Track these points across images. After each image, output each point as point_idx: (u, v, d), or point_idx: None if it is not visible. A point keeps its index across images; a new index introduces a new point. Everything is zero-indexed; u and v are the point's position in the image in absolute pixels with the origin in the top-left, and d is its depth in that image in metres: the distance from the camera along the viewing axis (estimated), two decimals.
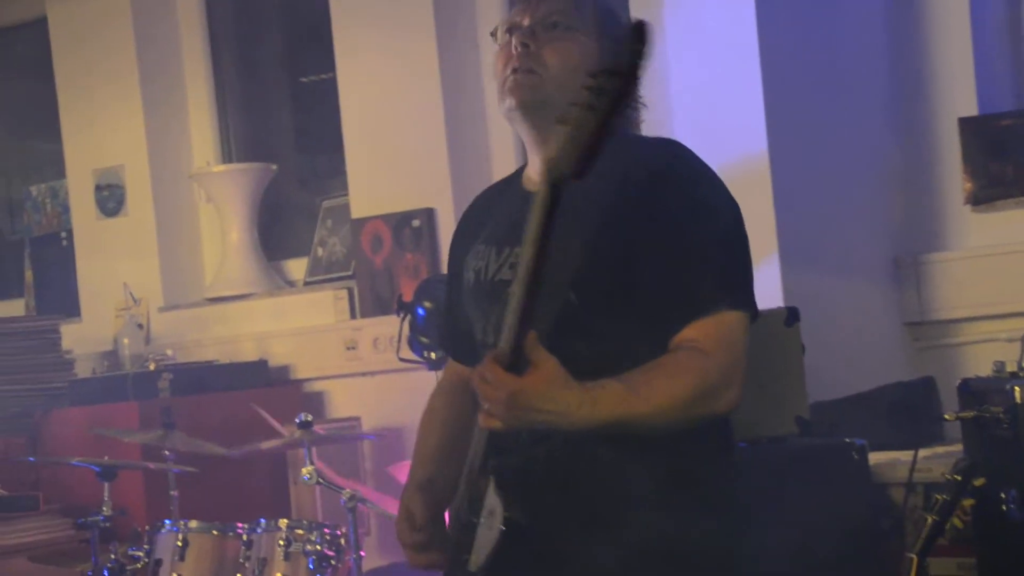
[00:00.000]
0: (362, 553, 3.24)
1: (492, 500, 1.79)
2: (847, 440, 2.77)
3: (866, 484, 2.78)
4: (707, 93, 3.29)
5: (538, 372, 1.69)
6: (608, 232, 1.69)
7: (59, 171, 4.96)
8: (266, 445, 3.54)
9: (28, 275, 4.91)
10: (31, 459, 3.85)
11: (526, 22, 1.90)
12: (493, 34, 1.96)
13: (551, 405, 1.70)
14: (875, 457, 2.85)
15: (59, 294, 4.84)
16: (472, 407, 2.02)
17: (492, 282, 1.91)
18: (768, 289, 3.13)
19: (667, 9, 3.33)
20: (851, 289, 3.40)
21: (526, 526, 1.76)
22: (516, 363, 1.70)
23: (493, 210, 2.01)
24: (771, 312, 2.73)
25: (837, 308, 3.31)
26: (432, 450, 2.05)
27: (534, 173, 1.95)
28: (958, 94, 3.47)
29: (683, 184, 1.83)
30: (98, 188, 4.75)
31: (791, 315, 2.72)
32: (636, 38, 1.55)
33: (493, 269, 1.92)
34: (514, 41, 1.89)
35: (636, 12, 3.68)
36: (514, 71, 1.88)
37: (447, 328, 2.12)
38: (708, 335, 1.77)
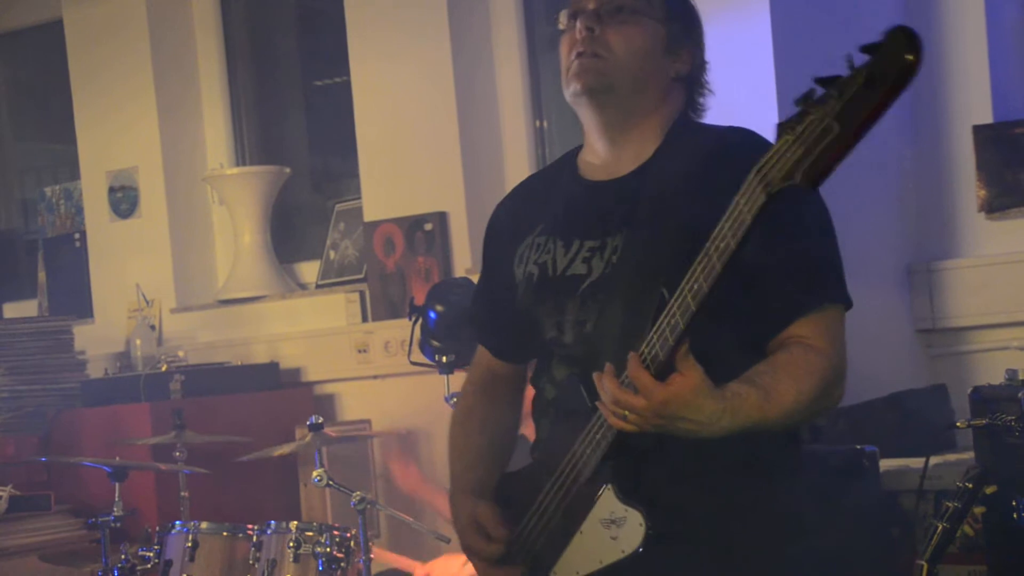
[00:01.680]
0: (371, 555, 3.25)
1: (614, 509, 1.73)
2: (858, 447, 2.76)
3: (877, 491, 2.77)
4: (721, 98, 3.28)
5: (687, 381, 1.65)
6: (703, 228, 1.61)
7: (73, 172, 4.97)
8: (279, 452, 3.55)
9: (41, 276, 4.92)
10: (43, 459, 3.86)
11: (591, 5, 1.85)
12: (557, 19, 1.91)
13: (696, 415, 1.66)
14: (886, 464, 2.85)
15: (72, 295, 4.85)
16: (509, 406, 2.01)
17: (563, 277, 1.85)
18: None
19: None
20: (864, 296, 3.36)
21: (663, 537, 1.72)
22: (665, 370, 1.65)
23: (546, 200, 1.93)
24: None
25: (849, 315, 3.29)
26: (476, 453, 2.00)
27: (595, 159, 1.90)
28: (973, 102, 3.47)
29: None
30: (112, 190, 4.77)
31: None
32: (904, 47, 1.38)
33: (563, 263, 1.86)
34: (579, 25, 1.84)
35: None
36: (579, 55, 1.83)
37: (488, 323, 2.04)
38: (817, 332, 1.77)
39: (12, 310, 5.03)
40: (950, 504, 2.15)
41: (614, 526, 1.73)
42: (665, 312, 1.64)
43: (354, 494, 3.21)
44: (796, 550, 1.83)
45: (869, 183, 3.43)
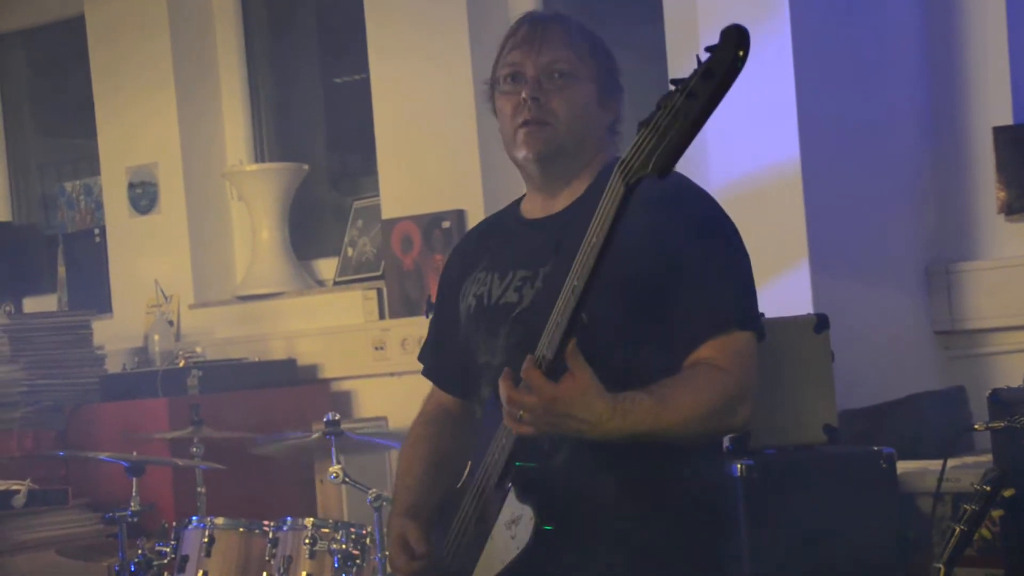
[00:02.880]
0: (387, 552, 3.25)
1: (515, 509, 1.80)
2: (875, 448, 2.75)
3: (894, 493, 2.76)
4: (740, 100, 3.27)
5: (575, 380, 1.73)
6: (620, 255, 1.71)
7: (93, 168, 4.99)
8: (293, 442, 3.56)
9: (61, 271, 4.94)
10: (61, 453, 3.88)
11: (530, 72, 1.95)
12: (493, 81, 2.00)
13: (586, 413, 1.73)
14: (903, 466, 2.84)
15: (91, 290, 4.87)
16: (455, 438, 2.10)
17: (496, 305, 1.96)
18: (798, 296, 3.12)
19: (701, 16, 3.32)
20: (882, 297, 3.39)
21: (553, 532, 1.77)
22: (555, 370, 1.73)
23: (490, 242, 2.06)
24: (800, 319, 2.72)
25: (867, 316, 3.29)
26: (417, 478, 2.08)
27: (535, 202, 2.02)
28: (993, 103, 3.45)
29: (690, 208, 1.90)
30: (131, 185, 4.79)
31: (821, 322, 2.71)
32: (734, 42, 1.53)
33: (497, 292, 1.97)
34: (524, 93, 1.94)
35: (670, 21, 3.68)
36: (526, 123, 1.94)
37: (435, 358, 2.15)
38: (724, 353, 1.85)
39: (32, 304, 5.06)
40: (968, 507, 2.14)
41: (514, 526, 1.80)
42: (552, 314, 1.73)
43: (370, 491, 3.21)
44: (695, 552, 1.88)
45: (888, 185, 3.42)
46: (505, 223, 2.07)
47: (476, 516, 1.89)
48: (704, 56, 1.54)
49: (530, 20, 2.00)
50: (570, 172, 1.97)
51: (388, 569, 3.26)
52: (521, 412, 1.75)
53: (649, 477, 1.85)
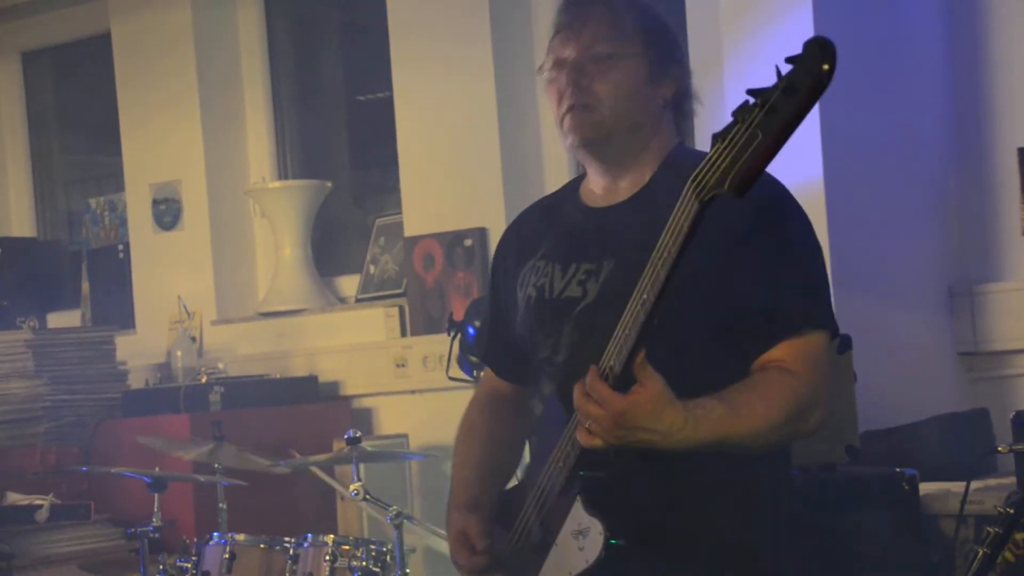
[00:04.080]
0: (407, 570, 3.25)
1: (581, 520, 1.76)
2: (898, 470, 2.74)
3: (916, 515, 2.75)
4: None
5: (645, 391, 1.68)
6: (694, 253, 1.66)
7: (118, 185, 5.03)
8: (315, 459, 3.56)
9: (85, 287, 4.97)
10: (84, 468, 3.90)
11: (572, 56, 1.88)
12: (540, 69, 1.95)
13: (657, 425, 1.68)
14: (926, 488, 2.82)
15: (115, 306, 4.90)
16: (511, 424, 2.04)
17: (559, 299, 1.90)
18: None
19: (724, 32, 3.33)
20: (904, 318, 3.37)
21: (623, 547, 1.74)
22: (623, 381, 1.68)
23: (549, 227, 1.99)
24: None
25: (890, 337, 3.28)
26: (475, 469, 2.04)
27: (596, 188, 1.95)
28: (1018, 124, 3.44)
29: (768, 207, 1.82)
30: (155, 202, 4.82)
31: (843, 343, 2.70)
32: (820, 56, 1.45)
33: (560, 286, 1.90)
34: (565, 78, 1.88)
35: (694, 38, 3.69)
36: (570, 109, 1.88)
37: (491, 343, 2.10)
38: (796, 356, 1.78)
39: (56, 320, 5.08)
40: (991, 529, 2.12)
41: (581, 537, 1.76)
42: (620, 325, 1.68)
43: (390, 508, 3.21)
44: (768, 559, 1.83)
45: (912, 205, 3.41)
46: (565, 208, 1.98)
47: (539, 521, 1.85)
48: (785, 68, 1.47)
49: (574, 2, 1.92)
50: (628, 157, 1.89)
51: None
52: (589, 424, 1.70)
53: (719, 487, 1.81)
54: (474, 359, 3.58)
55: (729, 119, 1.54)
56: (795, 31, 3.21)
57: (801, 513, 1.91)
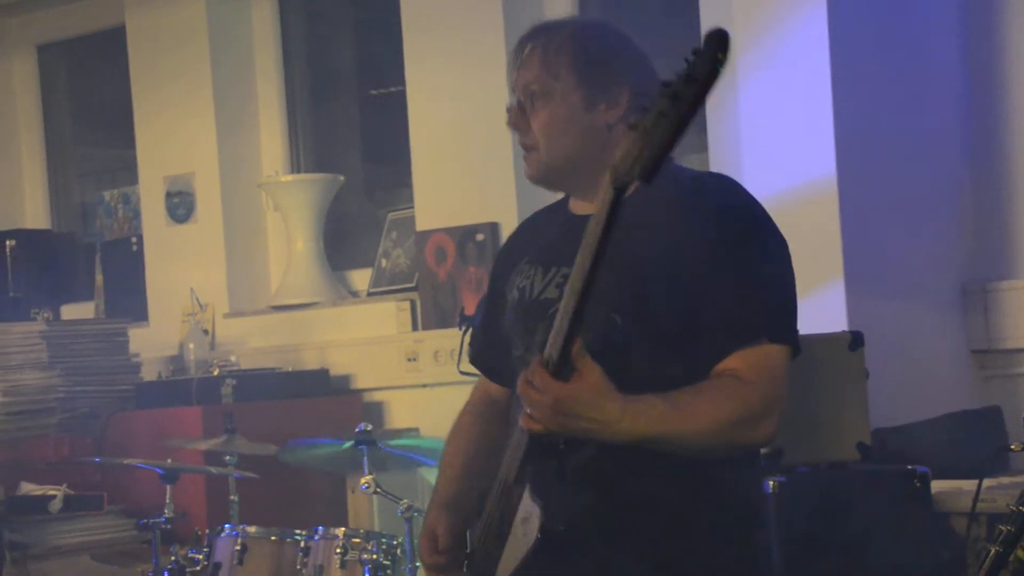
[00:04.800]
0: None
1: (528, 507, 1.80)
2: (910, 468, 2.74)
3: (928, 513, 2.75)
4: (776, 114, 3.28)
5: (583, 380, 1.72)
6: (657, 259, 1.72)
7: (132, 177, 5.04)
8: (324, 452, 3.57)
9: (99, 279, 4.98)
10: (96, 460, 3.92)
11: (515, 97, 1.96)
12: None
13: (594, 413, 1.73)
14: (938, 485, 2.82)
15: (128, 298, 4.91)
16: (500, 428, 2.08)
17: (537, 300, 1.95)
18: (832, 313, 3.11)
19: (738, 29, 3.32)
20: (917, 315, 3.37)
21: (561, 533, 1.77)
22: (562, 370, 1.72)
23: (539, 233, 2.05)
24: (835, 336, 2.71)
25: (902, 334, 3.28)
26: (459, 469, 2.08)
27: (580, 202, 2.00)
28: None
29: (736, 218, 1.86)
30: (169, 195, 4.83)
31: (855, 340, 2.69)
32: (715, 46, 1.53)
33: (539, 287, 1.95)
34: (508, 117, 1.97)
35: (707, 19, 3.68)
36: (523, 147, 1.97)
37: (481, 346, 2.15)
38: (751, 365, 1.80)
39: (70, 312, 5.10)
40: (1003, 527, 2.12)
41: (527, 523, 1.80)
42: (558, 314, 1.72)
43: (401, 502, 3.22)
44: (711, 568, 1.85)
45: (926, 202, 3.40)
46: (555, 216, 2.05)
47: (499, 512, 1.89)
48: (690, 59, 1.55)
49: (520, 39, 1.99)
50: (587, 179, 1.93)
51: None
52: (531, 411, 1.74)
53: (668, 486, 1.83)
54: None
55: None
56: (810, 28, 3.21)
57: (756, 526, 1.91)
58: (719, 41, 1.53)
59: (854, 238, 3.19)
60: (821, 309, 3.10)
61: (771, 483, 2.51)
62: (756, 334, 1.81)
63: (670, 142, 1.56)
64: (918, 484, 2.71)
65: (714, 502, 1.85)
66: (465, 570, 2.00)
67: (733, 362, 1.80)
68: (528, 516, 1.79)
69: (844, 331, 2.76)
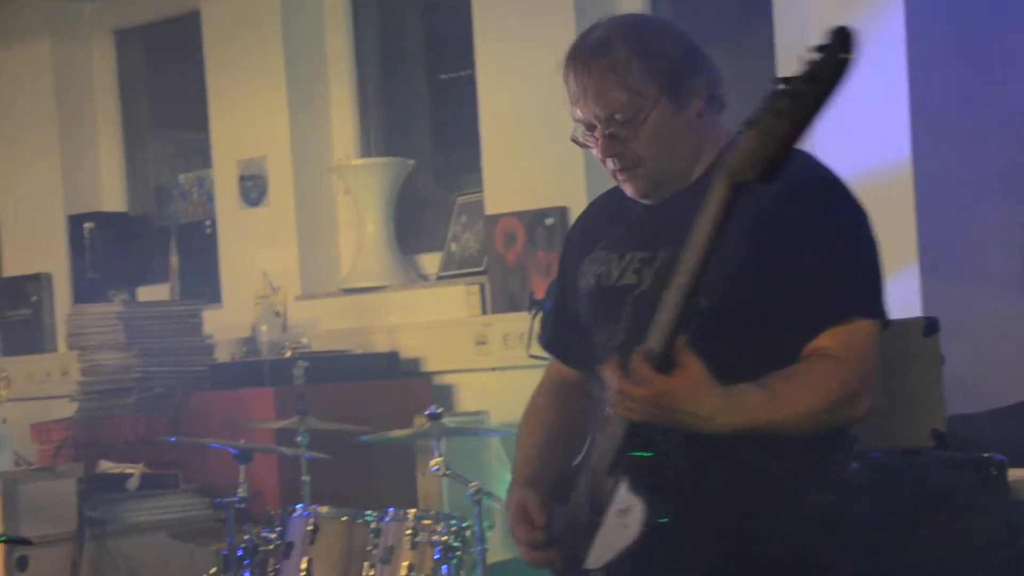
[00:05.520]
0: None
1: (626, 499, 1.80)
2: (985, 455, 2.69)
3: (1004, 501, 2.70)
4: (852, 96, 3.23)
5: (686, 374, 1.71)
6: (741, 240, 1.71)
7: (206, 161, 5.11)
8: (397, 434, 3.60)
9: (174, 261, 5.06)
10: (172, 439, 3.98)
11: (597, 126, 1.91)
12: (572, 137, 1.98)
13: (695, 408, 1.72)
14: (1015, 474, 2.77)
15: (202, 280, 4.98)
16: (575, 409, 2.08)
17: (615, 287, 1.94)
18: (907, 298, 3.07)
19: (812, 10, 3.28)
20: (993, 300, 3.32)
21: (663, 525, 1.77)
22: (664, 363, 1.72)
23: (609, 219, 2.04)
24: (909, 322, 2.67)
25: (978, 319, 3.23)
26: (537, 448, 2.09)
27: None
28: None
29: (817, 194, 1.85)
30: (242, 178, 4.89)
31: (930, 325, 2.66)
32: (840, 45, 1.51)
33: (616, 274, 1.95)
34: (599, 147, 1.92)
35: (780, 15, 3.65)
36: (619, 171, 1.93)
37: (555, 330, 2.15)
38: (843, 343, 1.79)
39: (145, 293, 5.19)
40: None
41: (625, 515, 1.79)
42: (659, 309, 1.71)
43: (470, 484, 3.24)
44: (808, 553, 1.83)
45: (1002, 186, 3.35)
46: (624, 201, 2.02)
47: (589, 499, 1.89)
48: (810, 56, 1.51)
49: (572, 65, 1.93)
50: (685, 172, 1.94)
51: (487, 562, 3.29)
52: (629, 404, 1.74)
53: (766, 473, 1.82)
54: None
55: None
56: (886, 9, 3.16)
57: (849, 504, 1.91)
58: (844, 39, 1.50)
59: (929, 222, 3.15)
60: (895, 294, 3.04)
61: (852, 473, 2.48)
62: (847, 311, 1.80)
63: (791, 142, 1.54)
64: (994, 472, 2.67)
65: (811, 477, 1.85)
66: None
67: (825, 340, 1.79)
68: (627, 508, 1.79)
69: (918, 317, 2.72)
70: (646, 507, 1.76)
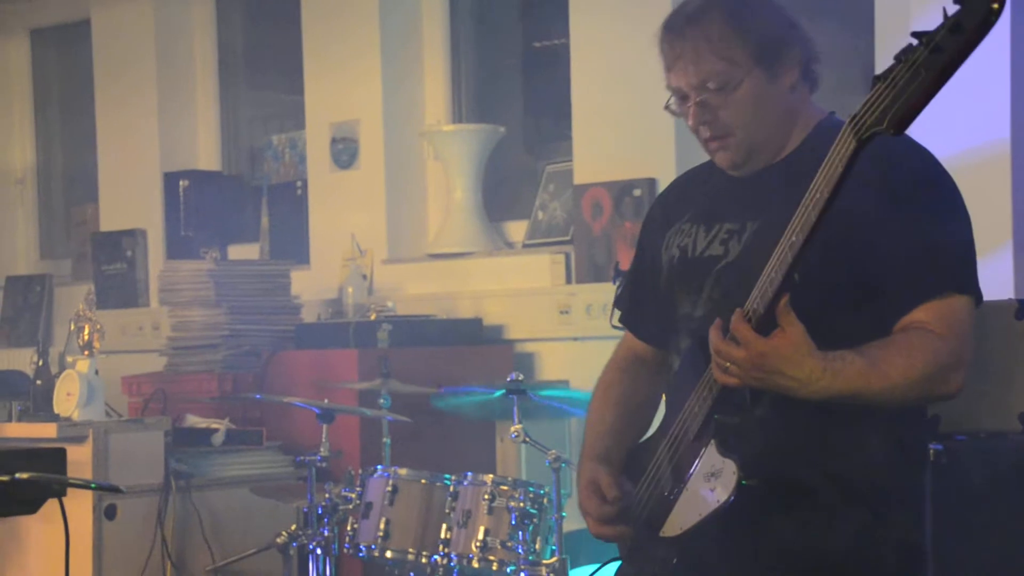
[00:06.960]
0: (564, 514, 3.29)
1: (715, 462, 1.78)
2: None
3: None
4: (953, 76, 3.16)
5: (787, 336, 1.70)
6: (835, 215, 1.68)
7: (299, 123, 5.16)
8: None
9: (264, 221, 5.12)
10: (257, 396, 4.04)
11: (689, 93, 1.91)
12: (666, 106, 1.98)
13: (795, 371, 1.71)
14: None
15: (291, 241, 5.04)
16: (647, 384, 2.09)
17: (700, 258, 1.94)
18: (999, 280, 3.01)
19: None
20: None
21: (755, 487, 1.76)
22: (765, 325, 1.70)
23: (694, 193, 2.03)
24: (1001, 304, 2.62)
25: None
26: (609, 424, 2.09)
27: None
28: None
29: (908, 169, 1.83)
30: (334, 141, 4.93)
31: (1022, 308, 2.61)
32: None
33: (702, 245, 1.94)
34: (691, 115, 1.91)
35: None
36: (709, 140, 1.92)
37: (632, 306, 2.15)
38: (938, 317, 1.78)
39: (236, 252, 5.27)
40: None
41: (714, 478, 1.78)
42: (767, 268, 1.69)
43: (549, 452, 3.25)
44: (891, 519, 1.83)
45: None
46: (710, 175, 2.02)
47: (671, 466, 1.88)
48: (952, 8, 1.48)
49: (668, 33, 1.93)
50: (776, 146, 1.93)
51: (564, 530, 3.31)
52: (728, 364, 1.73)
53: (852, 436, 1.82)
54: None
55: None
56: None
57: (922, 477, 1.91)
58: None
59: None
60: (988, 276, 2.99)
61: (928, 450, 2.45)
62: (942, 286, 1.80)
63: (929, 92, 1.52)
64: None
65: (894, 444, 1.85)
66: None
67: (920, 315, 1.79)
68: (716, 471, 1.78)
69: (1011, 299, 2.66)
70: (739, 467, 1.75)
